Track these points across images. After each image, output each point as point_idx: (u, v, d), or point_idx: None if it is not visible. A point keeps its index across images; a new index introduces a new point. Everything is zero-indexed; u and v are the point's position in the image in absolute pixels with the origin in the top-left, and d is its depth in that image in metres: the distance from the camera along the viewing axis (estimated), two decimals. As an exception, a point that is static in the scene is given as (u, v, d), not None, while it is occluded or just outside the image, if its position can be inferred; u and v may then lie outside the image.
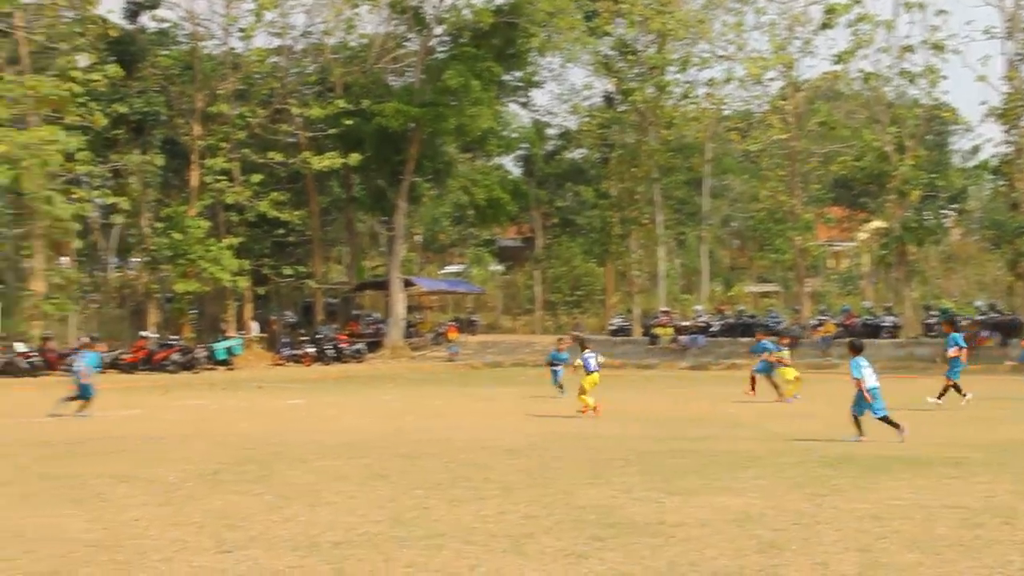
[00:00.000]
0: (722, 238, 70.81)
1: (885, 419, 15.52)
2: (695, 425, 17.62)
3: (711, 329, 46.35)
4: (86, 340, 24.61)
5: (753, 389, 24.71)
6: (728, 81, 48.98)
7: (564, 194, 71.73)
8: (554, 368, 26.56)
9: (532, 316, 67.83)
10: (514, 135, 62.77)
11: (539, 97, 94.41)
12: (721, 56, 49.46)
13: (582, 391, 21.17)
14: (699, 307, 50.46)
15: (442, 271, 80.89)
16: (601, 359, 21.99)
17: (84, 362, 21.97)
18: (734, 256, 74.78)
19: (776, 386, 24.60)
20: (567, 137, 68.02)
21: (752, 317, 46.87)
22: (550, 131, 69.72)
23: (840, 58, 46.33)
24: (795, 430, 17.38)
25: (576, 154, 69.43)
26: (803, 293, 48.97)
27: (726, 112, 53.57)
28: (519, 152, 67.34)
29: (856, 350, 16.12)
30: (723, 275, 67.58)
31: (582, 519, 9.64)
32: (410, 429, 18.34)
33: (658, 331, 46.88)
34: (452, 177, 57.31)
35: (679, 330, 46.64)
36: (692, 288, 60.81)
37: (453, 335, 51.92)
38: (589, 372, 21.19)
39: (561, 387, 25.91)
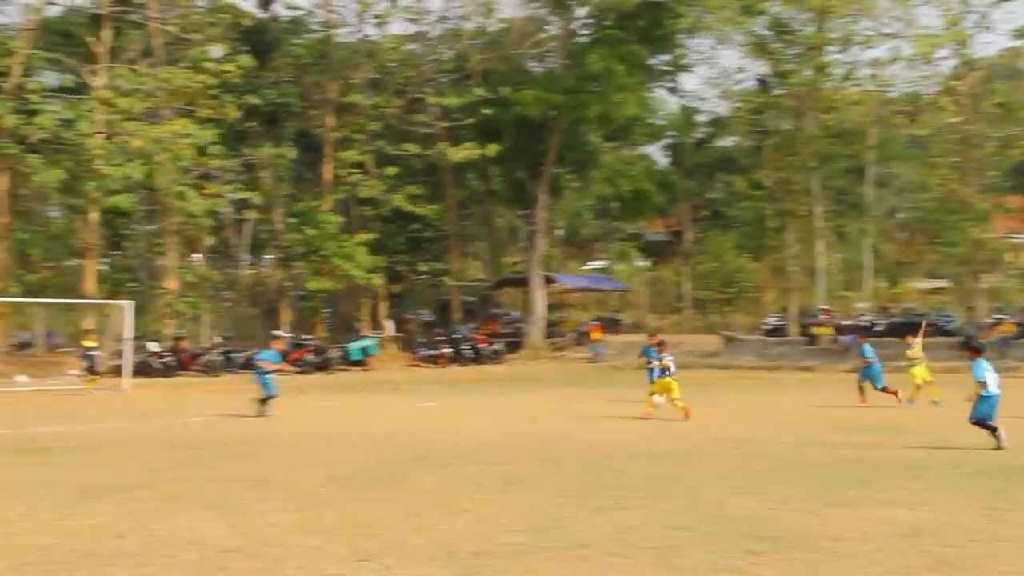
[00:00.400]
0: (887, 230, 69.09)
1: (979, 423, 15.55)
2: (858, 431, 17.28)
3: (875, 328, 45.32)
4: (277, 334, 25.75)
5: (862, 397, 24.30)
6: (894, 61, 47.77)
7: (714, 185, 71.09)
8: (650, 367, 26.72)
9: (680, 315, 67.36)
10: (661, 122, 62.48)
11: (688, 82, 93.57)
12: (887, 34, 48.23)
13: (663, 391, 21.64)
14: (862, 305, 49.38)
15: (585, 267, 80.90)
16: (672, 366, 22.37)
17: (265, 359, 22.96)
18: (900, 250, 72.91)
19: (861, 391, 24.27)
20: (718, 124, 67.34)
21: (921, 315, 45.64)
22: (699, 118, 69.19)
23: (1021, 33, 44.76)
24: (971, 438, 16.89)
25: (727, 142, 68.70)
26: (977, 290, 47.49)
27: (892, 94, 52.25)
28: (666, 140, 67.00)
29: (976, 351, 16.00)
30: (888, 270, 65.96)
31: (734, 531, 9.55)
32: (551, 433, 18.40)
33: (817, 331, 46.04)
34: (595, 168, 57.26)
35: (840, 330, 45.70)
36: (853, 285, 59.54)
37: (596, 335, 51.87)
38: (665, 376, 21.69)
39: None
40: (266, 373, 22.62)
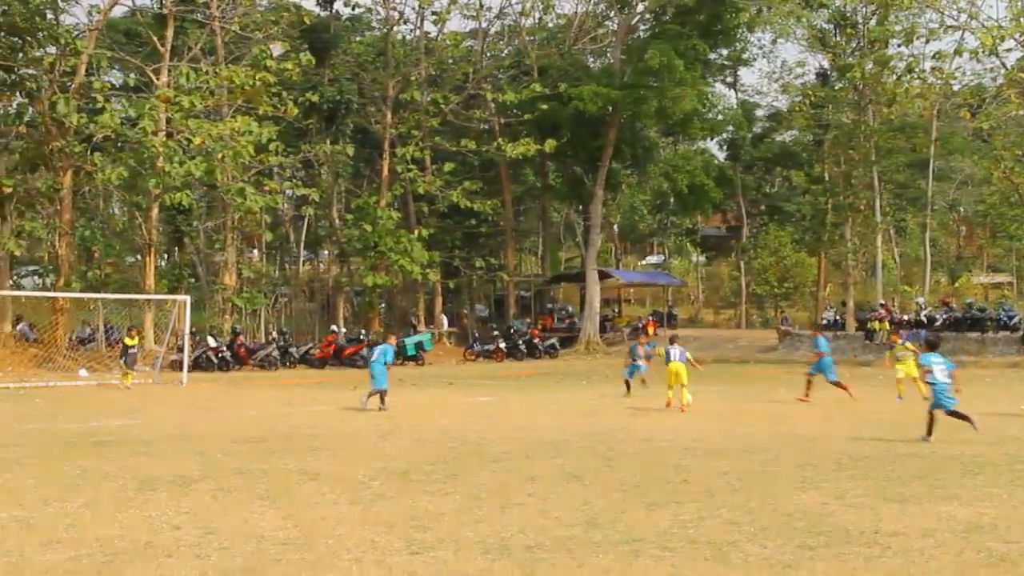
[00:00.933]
0: (947, 224, 68.34)
1: (935, 414, 16.07)
2: (917, 427, 17.04)
3: (935, 323, 44.75)
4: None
5: (808, 390, 24.29)
6: (958, 53, 47.04)
7: (773, 179, 70.62)
8: (634, 362, 27.38)
9: (736, 309, 67.01)
10: (720, 117, 62.14)
11: (747, 76, 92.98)
12: (950, 26, 47.52)
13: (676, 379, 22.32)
14: (921, 299, 48.78)
15: (641, 262, 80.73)
16: (688, 355, 22.90)
17: (379, 354, 23.27)
18: (961, 244, 72.07)
19: (809, 384, 24.31)
20: (777, 118, 66.90)
21: (982, 310, 45.03)
22: (758, 112, 68.76)
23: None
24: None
25: (786, 136, 68.23)
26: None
27: (955, 87, 51.53)
28: (724, 135, 66.59)
29: (931, 346, 16.74)
30: (948, 265, 65.22)
31: (790, 526, 9.47)
32: (606, 428, 18.36)
33: (875, 326, 45.55)
34: (652, 163, 57.11)
35: (899, 325, 45.18)
36: (913, 279, 58.88)
37: (651, 330, 51.71)
38: (668, 361, 22.35)
39: (643, 382, 27.12)
40: (382, 365, 22.99)
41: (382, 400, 22.57)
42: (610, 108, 49.66)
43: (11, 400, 25.97)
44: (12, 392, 28.72)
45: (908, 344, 25.81)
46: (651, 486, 11.77)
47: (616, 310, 62.38)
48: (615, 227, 73.29)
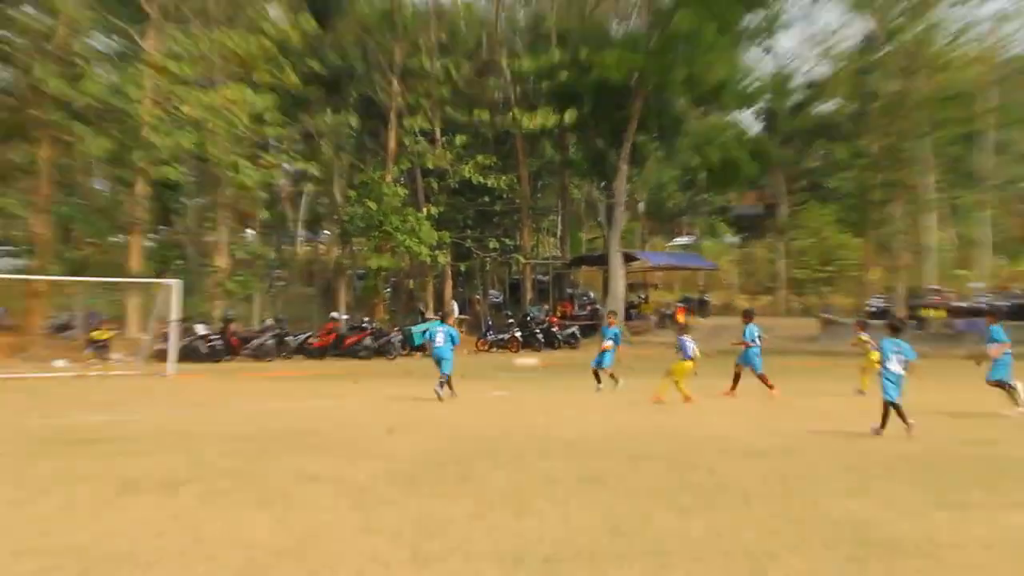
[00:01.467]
0: (1006, 202, 67.89)
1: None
2: (978, 426, 16.93)
3: (997, 310, 44.47)
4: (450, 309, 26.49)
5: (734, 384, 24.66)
6: (1018, 15, 46.66)
7: (812, 153, 70.33)
8: (606, 349, 26.90)
9: (774, 296, 66.86)
10: (754, 86, 61.78)
11: (784, 41, 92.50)
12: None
13: (671, 375, 22.50)
14: (978, 284, 48.52)
15: (669, 244, 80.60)
16: (697, 351, 22.95)
17: (446, 337, 23.89)
18: (1021, 224, 71.65)
19: (737, 376, 24.61)
20: (817, 87, 66.52)
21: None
22: (796, 80, 68.38)
23: None
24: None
25: (827, 106, 67.84)
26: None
27: (1014, 52, 51.16)
28: (759, 105, 66.32)
29: (893, 330, 16.79)
30: (1007, 247, 64.87)
31: (835, 536, 9.37)
32: (632, 426, 18.26)
33: (927, 313, 45.35)
34: (681, 135, 56.93)
35: (953, 312, 44.95)
36: (968, 262, 58.59)
37: (681, 317, 51.54)
38: (686, 359, 22.35)
39: (613, 378, 26.33)
40: (451, 348, 23.82)
41: (449, 386, 23.51)
42: (635, 76, 49.51)
43: (-17, 392, 26.00)
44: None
45: (863, 336, 25.76)
46: (681, 490, 11.66)
47: (642, 296, 62.26)
48: (641, 205, 73.18)
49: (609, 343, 26.55)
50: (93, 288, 41.23)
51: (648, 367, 28.34)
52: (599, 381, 26.37)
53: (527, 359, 25.91)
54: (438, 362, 23.64)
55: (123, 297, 40.94)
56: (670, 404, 22.43)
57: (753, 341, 24.77)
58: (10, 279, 42.80)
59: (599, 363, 26.47)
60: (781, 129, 67.57)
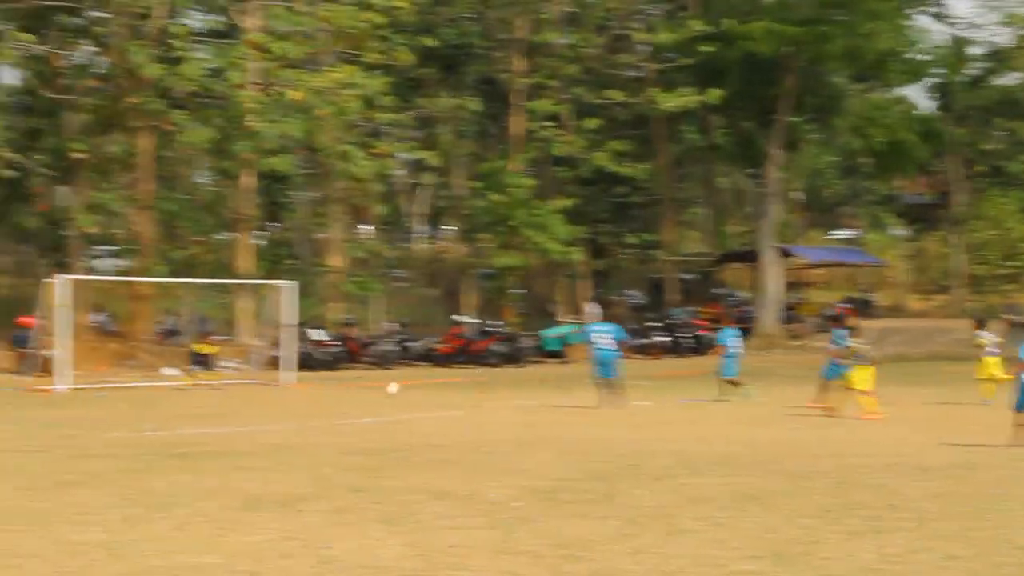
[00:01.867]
0: None
1: None
2: None
3: None
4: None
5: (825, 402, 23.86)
6: None
7: (993, 133, 68.81)
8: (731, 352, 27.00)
9: (949, 295, 65.63)
10: (924, 57, 60.74)
11: (959, 4, 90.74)
12: None
13: (851, 385, 22.10)
14: None
15: (829, 237, 79.62)
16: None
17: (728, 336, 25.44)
18: None
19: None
20: (998, 57, 65.09)
21: None
22: (974, 50, 66.98)
23: None
24: None
25: (1010, 79, 66.36)
26: None
27: None
28: (931, 79, 65.11)
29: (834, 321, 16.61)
30: None
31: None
32: (788, 440, 18.21)
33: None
34: (841, 115, 56.19)
35: None
36: None
37: (852, 320, 50.79)
38: (865, 364, 22.13)
39: (735, 384, 26.62)
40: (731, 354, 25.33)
41: (736, 385, 24.94)
42: (788, 49, 48.95)
43: (90, 404, 26.81)
44: (91, 394, 29.62)
45: (985, 337, 25.04)
46: (848, 511, 11.62)
47: (800, 296, 61.62)
48: (796, 195, 72.44)
49: (728, 348, 26.63)
50: (201, 290, 42.15)
51: (805, 375, 28.09)
52: (736, 390, 26.45)
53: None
54: (603, 366, 23.73)
55: (233, 300, 41.75)
56: (828, 418, 22.28)
57: (729, 344, 25.51)
58: (114, 281, 43.98)
59: (727, 372, 26.53)
60: (956, 106, 66.25)
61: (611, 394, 24.02)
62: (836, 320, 29.55)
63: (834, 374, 25.95)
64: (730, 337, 26.87)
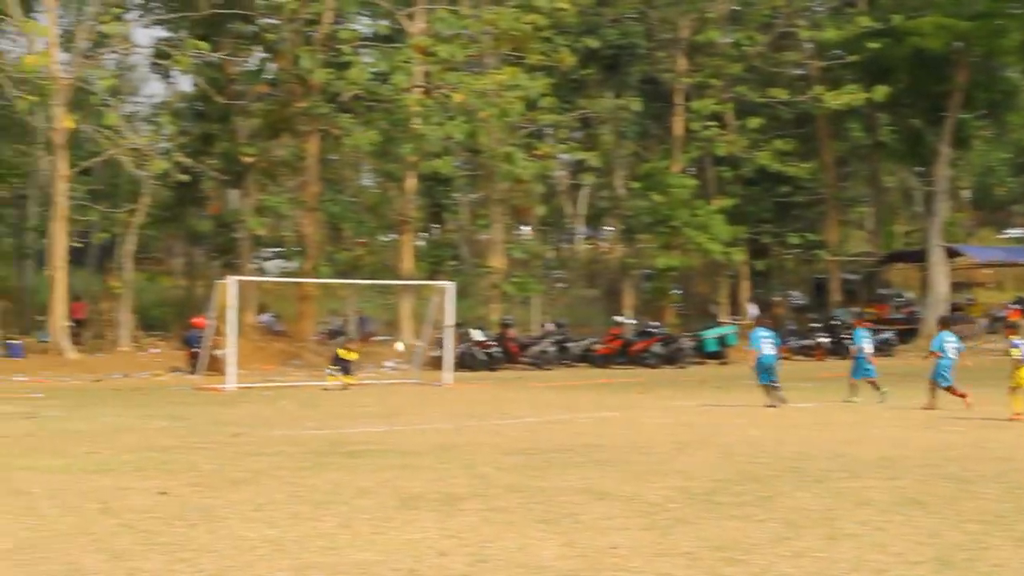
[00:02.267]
0: None
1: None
2: None
3: None
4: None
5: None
6: None
7: None
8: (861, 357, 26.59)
9: None
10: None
11: None
12: None
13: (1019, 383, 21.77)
14: None
15: (1000, 236, 77.79)
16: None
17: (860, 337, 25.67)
18: None
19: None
20: None
21: None
22: None
23: None
24: None
25: None
26: None
27: None
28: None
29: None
30: None
31: None
32: (953, 443, 17.85)
33: None
34: (1014, 111, 54.84)
35: None
36: None
37: (1015, 319, 49.62)
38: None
39: (857, 388, 26.46)
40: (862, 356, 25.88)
41: (877, 387, 25.17)
42: (958, 44, 47.93)
43: (256, 402, 27.42)
44: (258, 393, 30.28)
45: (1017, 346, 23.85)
46: (1019, 516, 11.38)
47: (969, 296, 60.30)
48: (966, 193, 70.92)
49: (863, 349, 26.25)
50: (364, 291, 42.77)
51: (973, 377, 27.40)
52: (864, 392, 26.21)
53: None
54: (766, 370, 24.08)
55: (395, 300, 42.25)
56: (990, 421, 21.79)
57: (942, 352, 24.10)
58: (280, 282, 44.90)
59: (865, 372, 26.09)
60: None
61: (774, 397, 24.00)
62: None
63: (861, 374, 25.91)
64: (862, 339, 26.48)
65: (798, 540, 10.29)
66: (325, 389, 30.99)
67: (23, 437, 19.00)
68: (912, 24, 46.98)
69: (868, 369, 26.36)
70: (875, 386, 26.33)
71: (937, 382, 24.04)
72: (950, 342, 24.20)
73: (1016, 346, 22.72)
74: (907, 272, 63.27)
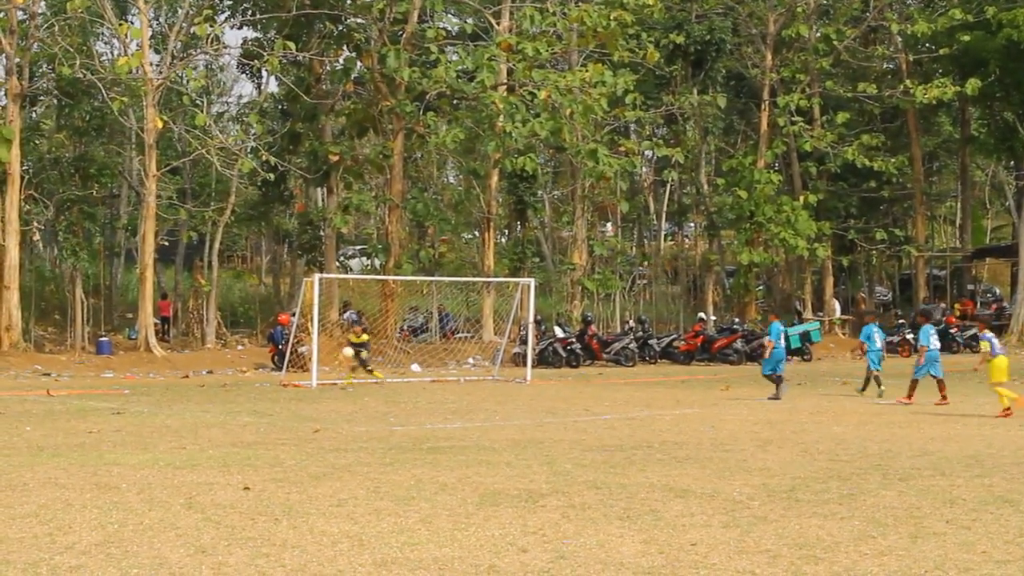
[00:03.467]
0: None
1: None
2: None
3: None
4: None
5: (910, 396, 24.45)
6: None
7: None
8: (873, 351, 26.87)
9: None
10: None
11: None
12: None
13: (995, 381, 21.73)
14: None
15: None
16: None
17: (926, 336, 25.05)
18: None
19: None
20: None
21: None
22: None
23: None
24: None
25: None
26: None
27: None
28: None
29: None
30: None
31: None
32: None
33: None
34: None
35: None
36: None
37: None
38: (995, 355, 21.71)
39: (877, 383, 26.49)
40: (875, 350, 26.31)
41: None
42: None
43: (338, 398, 27.58)
44: (339, 389, 30.48)
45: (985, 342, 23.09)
46: (1108, 517, 11.19)
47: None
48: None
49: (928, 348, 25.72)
50: (447, 288, 42.91)
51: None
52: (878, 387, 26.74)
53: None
54: (935, 364, 24.55)
55: (478, 297, 42.36)
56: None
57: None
58: (364, 279, 45.18)
59: (934, 371, 25.52)
60: None
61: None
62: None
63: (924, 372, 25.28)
64: (927, 335, 25.80)
65: (881, 539, 10.22)
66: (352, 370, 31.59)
67: (111, 432, 19.27)
68: (1006, 15, 46.26)
69: (927, 368, 25.66)
70: (878, 381, 26.58)
71: (916, 376, 24.66)
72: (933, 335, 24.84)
73: (985, 339, 22.48)
74: (996, 267, 62.46)
